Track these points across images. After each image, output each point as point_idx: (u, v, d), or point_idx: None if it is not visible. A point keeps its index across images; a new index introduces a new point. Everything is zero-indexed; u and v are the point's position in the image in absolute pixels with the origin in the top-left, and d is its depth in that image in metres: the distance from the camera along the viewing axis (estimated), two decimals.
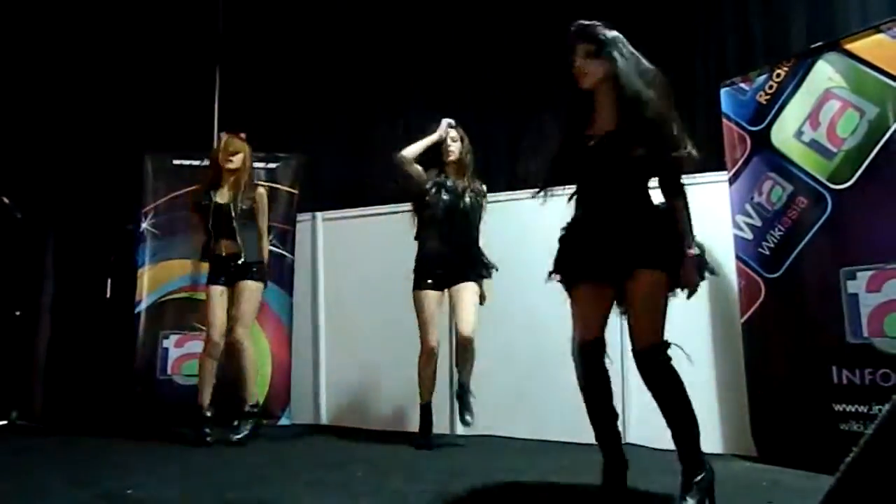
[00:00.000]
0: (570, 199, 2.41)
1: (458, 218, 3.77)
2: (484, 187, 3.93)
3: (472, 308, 3.72)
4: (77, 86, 5.36)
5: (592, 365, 2.29)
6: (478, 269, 3.82)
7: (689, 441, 2.20)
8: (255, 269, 3.95)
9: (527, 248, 4.15)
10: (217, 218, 3.92)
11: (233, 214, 3.91)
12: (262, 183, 4.39)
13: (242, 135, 4.05)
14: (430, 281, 3.77)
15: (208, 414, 3.85)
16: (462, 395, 3.75)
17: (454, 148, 3.84)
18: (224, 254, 3.94)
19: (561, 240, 2.43)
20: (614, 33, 2.30)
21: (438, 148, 3.85)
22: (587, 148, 2.31)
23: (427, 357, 3.75)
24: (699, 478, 2.19)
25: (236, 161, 3.94)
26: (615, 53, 2.25)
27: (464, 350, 3.74)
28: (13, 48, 5.14)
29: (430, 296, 3.76)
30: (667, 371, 2.20)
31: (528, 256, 4.12)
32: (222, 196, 3.96)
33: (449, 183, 3.81)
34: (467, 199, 3.78)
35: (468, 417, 3.71)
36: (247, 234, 3.95)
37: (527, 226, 4.21)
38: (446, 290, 3.81)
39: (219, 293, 3.94)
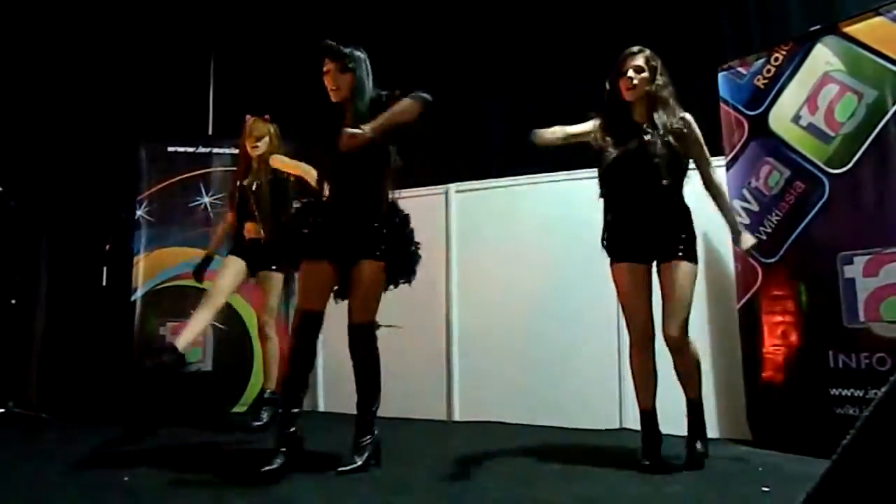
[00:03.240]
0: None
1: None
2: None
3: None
4: (71, 73, 5.31)
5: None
6: None
7: (369, 410, 2.77)
8: (277, 257, 3.69)
9: (524, 234, 4.17)
10: (242, 202, 3.83)
11: (250, 196, 3.78)
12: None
13: (267, 116, 3.91)
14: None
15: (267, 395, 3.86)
16: (691, 417, 2.87)
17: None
18: (248, 237, 3.82)
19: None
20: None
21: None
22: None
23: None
24: (366, 440, 2.73)
25: (262, 146, 3.82)
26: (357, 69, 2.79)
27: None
28: (7, 37, 5.09)
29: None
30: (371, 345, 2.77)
31: (525, 241, 4.15)
32: (251, 179, 3.82)
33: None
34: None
35: (700, 447, 2.82)
36: (266, 214, 3.77)
37: (524, 211, 4.22)
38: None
39: (235, 264, 3.74)
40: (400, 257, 2.80)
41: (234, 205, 3.90)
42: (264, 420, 3.82)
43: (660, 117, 2.74)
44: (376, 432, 2.79)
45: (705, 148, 2.82)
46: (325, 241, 2.74)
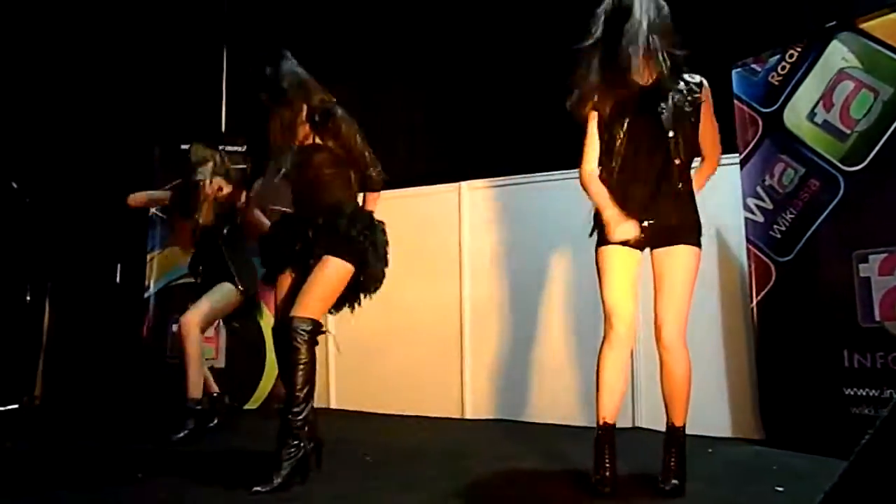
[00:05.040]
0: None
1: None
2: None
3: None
4: (86, 74, 5.36)
5: None
6: None
7: (287, 416, 2.42)
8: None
9: (537, 231, 4.16)
10: (207, 242, 3.76)
11: (220, 241, 3.72)
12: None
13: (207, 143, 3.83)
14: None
15: (215, 394, 3.82)
16: (671, 451, 2.42)
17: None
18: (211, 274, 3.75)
19: None
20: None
21: None
22: None
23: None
24: (288, 453, 2.40)
25: (205, 174, 3.70)
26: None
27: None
28: (25, 40, 5.14)
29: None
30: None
31: (537, 239, 4.14)
32: (203, 218, 3.73)
33: None
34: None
35: (677, 483, 2.38)
36: (237, 258, 3.71)
37: (537, 208, 4.21)
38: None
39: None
40: (363, 258, 2.58)
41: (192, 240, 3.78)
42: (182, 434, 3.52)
43: (674, 75, 2.32)
44: (301, 444, 2.44)
45: (714, 122, 2.48)
46: (285, 251, 2.64)
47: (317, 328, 2.48)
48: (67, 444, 3.46)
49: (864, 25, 3.07)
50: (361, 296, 2.68)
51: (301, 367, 2.42)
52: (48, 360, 4.99)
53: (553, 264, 4.07)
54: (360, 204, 2.75)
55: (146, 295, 4.72)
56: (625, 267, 2.38)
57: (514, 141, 4.72)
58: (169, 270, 4.75)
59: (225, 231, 3.70)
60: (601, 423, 2.38)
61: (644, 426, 3.67)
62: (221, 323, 4.11)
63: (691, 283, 2.34)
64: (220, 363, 4.64)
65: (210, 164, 3.68)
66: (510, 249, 4.23)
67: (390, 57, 5.11)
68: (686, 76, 2.40)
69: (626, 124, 2.35)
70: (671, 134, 2.31)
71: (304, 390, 2.43)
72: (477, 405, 4.23)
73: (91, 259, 5.21)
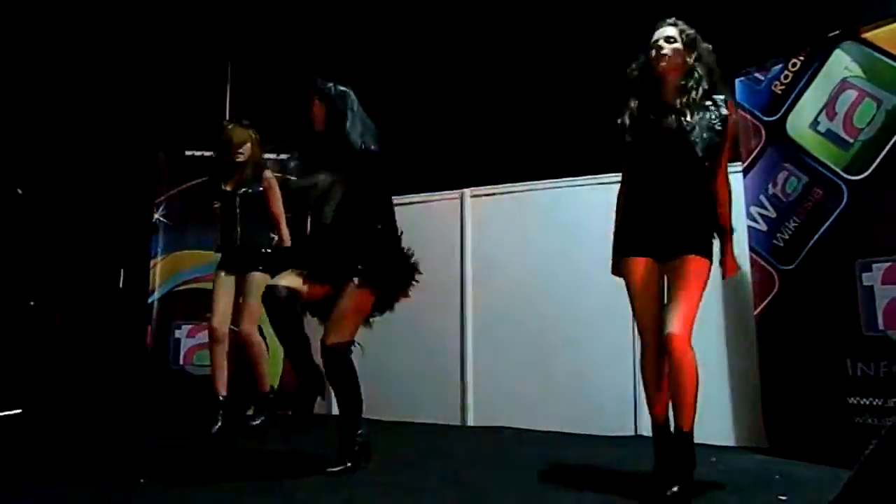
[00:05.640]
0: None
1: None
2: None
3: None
4: (91, 79, 5.38)
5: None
6: None
7: (349, 426, 2.81)
8: (264, 260, 3.86)
9: (539, 238, 4.16)
10: (227, 207, 3.91)
11: (236, 202, 3.89)
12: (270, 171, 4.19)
13: (245, 122, 3.98)
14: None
15: (221, 398, 3.85)
16: (678, 453, 2.45)
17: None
18: (234, 242, 3.91)
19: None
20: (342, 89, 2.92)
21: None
22: None
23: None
24: (354, 447, 2.78)
25: (245, 152, 3.90)
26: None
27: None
28: (30, 44, 5.17)
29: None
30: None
31: (539, 246, 4.14)
32: (231, 185, 3.92)
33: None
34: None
35: (677, 490, 2.36)
36: (250, 222, 3.90)
37: (538, 216, 4.22)
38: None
39: (223, 280, 3.88)
40: (384, 277, 2.78)
41: (217, 210, 3.96)
42: (259, 421, 3.89)
43: (702, 97, 2.45)
44: (361, 436, 2.83)
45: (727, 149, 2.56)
46: (322, 264, 2.79)
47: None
48: (70, 448, 3.46)
49: (867, 35, 3.08)
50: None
51: (353, 385, 2.83)
52: (54, 364, 5.00)
53: (556, 271, 4.07)
54: None
55: (150, 300, 4.72)
56: (643, 279, 2.52)
57: (517, 148, 4.73)
58: (172, 276, 4.76)
59: (243, 191, 3.89)
60: (655, 421, 2.59)
61: (647, 434, 3.65)
62: None
63: (699, 290, 2.42)
64: None
65: (249, 144, 3.91)
66: (512, 256, 4.23)
67: (391, 64, 5.12)
68: (717, 97, 2.52)
69: (647, 146, 2.52)
70: (687, 154, 2.44)
71: (356, 402, 2.84)
72: (478, 413, 4.23)
73: (95, 264, 5.21)
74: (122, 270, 5.13)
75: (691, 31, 2.53)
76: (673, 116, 2.46)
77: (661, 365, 2.52)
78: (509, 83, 4.77)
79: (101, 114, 5.37)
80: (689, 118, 2.44)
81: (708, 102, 2.47)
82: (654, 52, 2.50)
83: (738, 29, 4.11)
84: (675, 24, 2.54)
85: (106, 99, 5.39)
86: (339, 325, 2.75)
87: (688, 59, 2.47)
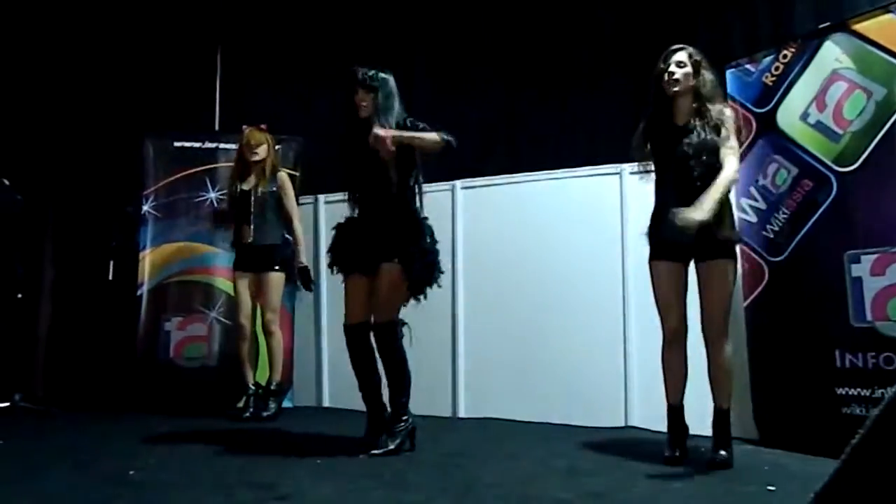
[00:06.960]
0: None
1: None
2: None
3: None
4: (77, 67, 5.33)
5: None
6: None
7: (399, 401, 2.99)
8: (279, 259, 4.14)
9: (530, 230, 4.16)
10: (242, 205, 4.12)
11: (251, 200, 4.10)
12: (285, 169, 4.43)
13: (263, 126, 4.24)
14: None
15: (251, 391, 4.15)
16: (718, 427, 2.80)
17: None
18: (248, 240, 4.12)
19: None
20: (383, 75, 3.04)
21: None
22: None
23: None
24: (400, 427, 2.96)
25: (261, 152, 4.15)
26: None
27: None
28: (14, 32, 5.11)
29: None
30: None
31: (530, 238, 4.14)
32: (248, 184, 4.16)
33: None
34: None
35: (724, 455, 2.74)
36: (265, 220, 4.12)
37: (530, 208, 4.21)
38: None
39: (243, 279, 4.15)
40: (416, 263, 2.95)
41: (232, 208, 4.19)
42: (272, 410, 4.12)
43: (704, 114, 2.76)
44: (410, 419, 3.00)
45: (733, 138, 2.76)
46: (354, 255, 3.04)
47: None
48: (61, 440, 3.45)
49: (857, 26, 3.09)
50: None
51: (403, 360, 3.04)
52: (45, 356, 4.97)
53: (547, 263, 4.07)
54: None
55: (139, 293, 4.69)
56: (670, 277, 2.80)
57: (509, 140, 4.72)
58: (162, 268, 4.72)
59: (258, 190, 4.12)
60: (669, 404, 2.86)
61: (636, 425, 3.68)
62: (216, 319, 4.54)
63: (731, 285, 2.78)
64: (213, 362, 4.61)
65: (265, 146, 4.17)
66: (504, 249, 4.22)
67: (382, 55, 5.09)
68: (720, 107, 2.82)
69: (665, 153, 2.84)
70: (693, 162, 2.73)
71: (406, 377, 3.03)
72: (470, 404, 4.23)
73: (83, 256, 5.17)
74: (111, 262, 5.08)
75: (699, 56, 2.83)
76: (680, 137, 2.77)
77: (679, 358, 2.82)
78: (504, 78, 4.75)
79: (88, 103, 5.32)
80: (695, 139, 2.74)
81: (714, 116, 2.76)
82: (666, 77, 2.78)
83: (730, 20, 4.12)
84: (684, 49, 2.84)
85: (93, 88, 5.33)
86: (384, 306, 2.97)
87: (697, 82, 2.79)
